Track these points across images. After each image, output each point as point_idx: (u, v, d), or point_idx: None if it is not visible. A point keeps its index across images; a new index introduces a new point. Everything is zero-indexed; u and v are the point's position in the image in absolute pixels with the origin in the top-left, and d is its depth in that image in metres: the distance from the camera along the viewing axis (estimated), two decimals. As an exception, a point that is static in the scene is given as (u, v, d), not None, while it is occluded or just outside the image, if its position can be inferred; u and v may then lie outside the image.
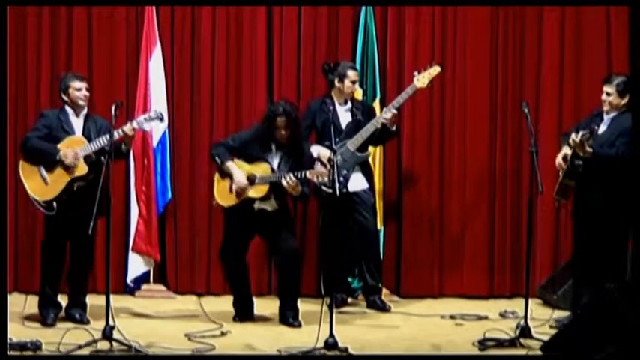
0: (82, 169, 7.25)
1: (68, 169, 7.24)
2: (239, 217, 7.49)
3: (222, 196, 7.49)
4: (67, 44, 8.50)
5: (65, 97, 7.40)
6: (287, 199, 7.56)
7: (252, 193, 7.39)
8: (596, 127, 7.14)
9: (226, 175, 7.46)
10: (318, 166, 7.49)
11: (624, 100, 7.25)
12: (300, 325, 7.44)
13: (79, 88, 7.38)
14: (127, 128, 7.26)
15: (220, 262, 7.74)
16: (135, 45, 8.52)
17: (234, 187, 7.40)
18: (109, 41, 8.53)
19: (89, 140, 7.28)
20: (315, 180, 7.28)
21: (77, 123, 7.39)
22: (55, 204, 7.24)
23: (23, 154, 7.34)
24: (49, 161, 7.23)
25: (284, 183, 7.26)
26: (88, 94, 7.43)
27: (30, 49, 8.47)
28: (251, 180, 7.37)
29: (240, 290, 7.67)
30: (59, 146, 7.25)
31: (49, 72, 8.42)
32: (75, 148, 7.24)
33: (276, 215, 7.48)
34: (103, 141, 7.20)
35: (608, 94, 7.27)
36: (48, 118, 7.39)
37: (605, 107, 7.30)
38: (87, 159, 7.25)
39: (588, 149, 7.09)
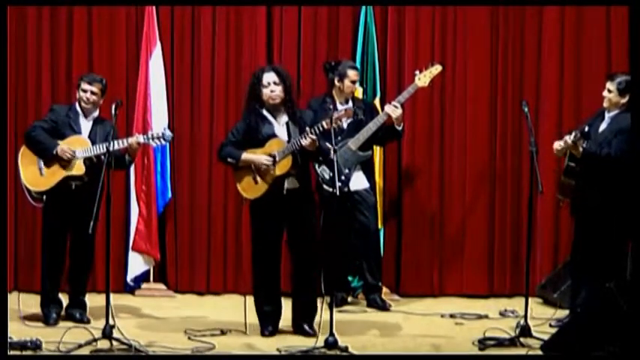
0: (79, 169, 7.24)
1: (65, 165, 7.24)
2: (270, 208, 6.99)
3: (249, 190, 7.03)
4: (67, 44, 8.52)
5: (77, 94, 7.43)
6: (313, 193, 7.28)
7: (279, 170, 6.94)
8: (586, 128, 7.15)
9: (246, 168, 7.02)
10: (336, 113, 6.94)
11: (624, 100, 7.26)
12: (315, 335, 6.94)
13: (84, 90, 7.37)
14: (133, 140, 7.23)
15: (253, 265, 7.17)
16: (135, 45, 8.53)
17: (262, 166, 6.92)
18: (109, 41, 8.54)
19: (93, 143, 7.27)
20: (335, 125, 6.82)
21: (85, 124, 7.38)
22: (44, 197, 7.25)
23: (25, 141, 7.32)
24: (46, 155, 7.24)
25: (305, 142, 6.82)
26: (92, 97, 7.35)
27: (30, 49, 8.49)
28: (272, 159, 6.97)
29: (270, 297, 7.14)
30: (60, 142, 7.25)
31: (49, 72, 8.45)
32: (75, 147, 7.25)
33: (304, 207, 7.07)
34: (106, 147, 7.14)
35: (609, 90, 7.29)
36: (56, 112, 7.41)
37: (605, 104, 7.34)
38: (86, 160, 7.25)
39: (581, 149, 7.13)
